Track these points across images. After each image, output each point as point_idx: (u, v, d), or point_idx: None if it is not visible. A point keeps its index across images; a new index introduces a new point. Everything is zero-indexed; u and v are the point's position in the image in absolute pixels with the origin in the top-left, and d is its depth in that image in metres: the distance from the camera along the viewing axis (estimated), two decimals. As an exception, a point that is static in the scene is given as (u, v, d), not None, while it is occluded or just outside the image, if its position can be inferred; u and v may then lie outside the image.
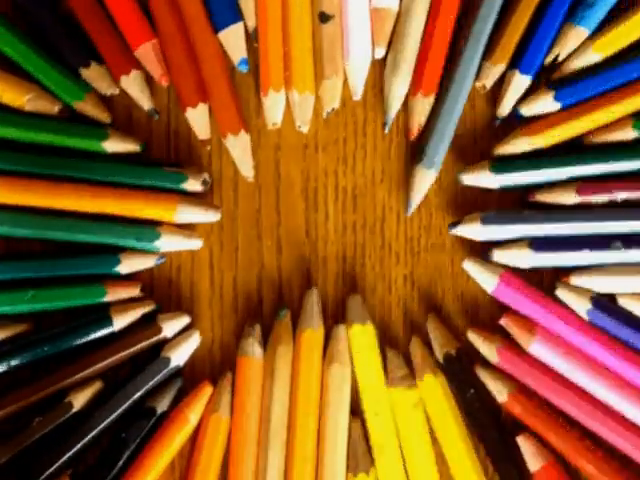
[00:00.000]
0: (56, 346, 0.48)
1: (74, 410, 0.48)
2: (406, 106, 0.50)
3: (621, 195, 0.48)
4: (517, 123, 0.50)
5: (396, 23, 0.50)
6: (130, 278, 0.50)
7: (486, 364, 0.50)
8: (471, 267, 0.49)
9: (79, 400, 0.48)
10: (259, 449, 0.50)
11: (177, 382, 0.50)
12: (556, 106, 0.49)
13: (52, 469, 0.48)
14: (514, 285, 0.49)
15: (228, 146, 0.50)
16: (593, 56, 0.49)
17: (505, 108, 0.50)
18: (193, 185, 0.49)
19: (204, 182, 0.49)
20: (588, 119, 0.49)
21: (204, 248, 0.50)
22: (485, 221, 0.49)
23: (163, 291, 0.50)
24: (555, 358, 0.48)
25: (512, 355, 0.49)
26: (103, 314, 0.49)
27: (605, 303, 0.49)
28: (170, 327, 0.49)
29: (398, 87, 0.49)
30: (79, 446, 0.48)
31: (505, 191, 0.50)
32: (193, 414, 0.49)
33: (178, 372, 0.50)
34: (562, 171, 0.49)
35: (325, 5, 0.49)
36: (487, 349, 0.49)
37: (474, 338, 0.49)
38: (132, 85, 0.49)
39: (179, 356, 0.49)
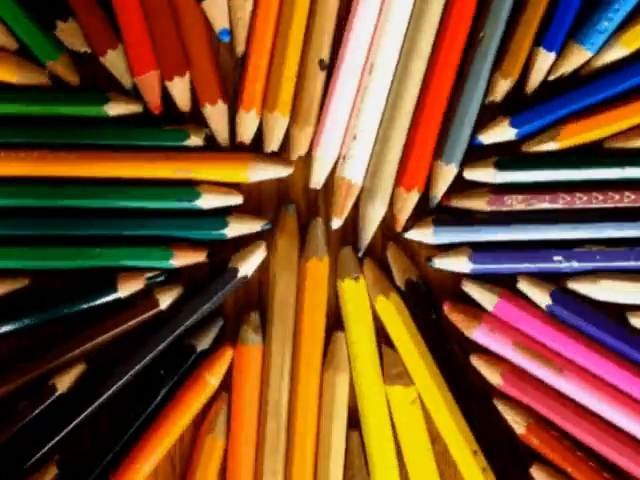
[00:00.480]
0: (55, 312, 0.48)
1: (58, 393, 0.48)
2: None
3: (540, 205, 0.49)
4: (476, 150, 0.50)
5: (375, 144, 0.50)
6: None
7: (504, 396, 0.50)
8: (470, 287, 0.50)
9: (63, 383, 0.48)
10: (258, 433, 0.50)
11: (219, 321, 0.50)
12: (512, 132, 0.49)
13: (40, 453, 0.47)
14: (514, 303, 0.50)
15: (206, 116, 0.50)
16: (621, 51, 0.49)
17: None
18: (195, 141, 0.49)
19: (206, 137, 0.50)
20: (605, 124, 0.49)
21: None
22: (436, 223, 0.50)
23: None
24: (500, 347, 0.49)
25: (517, 379, 0.50)
26: (108, 279, 0.49)
27: (564, 297, 0.50)
28: (166, 300, 0.49)
29: (374, 213, 0.50)
30: (70, 428, 0.48)
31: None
32: (213, 377, 0.49)
33: (220, 310, 0.50)
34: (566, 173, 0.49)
35: (325, 54, 0.50)
36: (491, 374, 0.50)
37: (478, 363, 0.50)
38: (115, 61, 0.49)
39: (247, 266, 0.49)
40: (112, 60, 0.49)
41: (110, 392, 0.48)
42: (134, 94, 0.49)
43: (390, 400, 0.50)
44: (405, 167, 0.50)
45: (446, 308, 0.50)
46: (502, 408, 0.50)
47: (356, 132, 0.49)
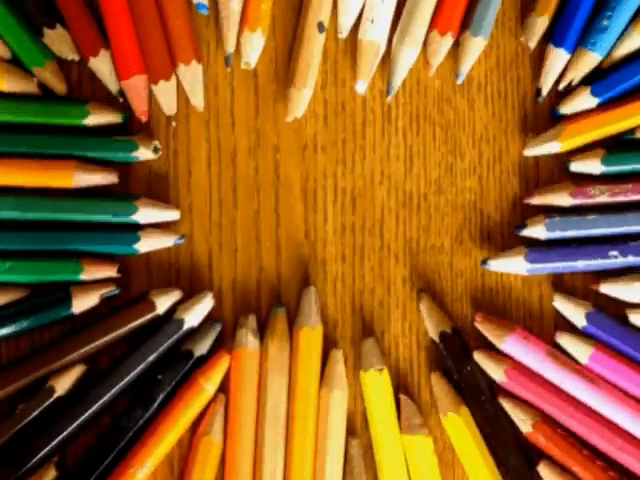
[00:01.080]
0: (15, 325, 0.48)
1: (56, 395, 0.48)
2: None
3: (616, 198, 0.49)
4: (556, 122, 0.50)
5: None
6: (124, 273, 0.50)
7: (508, 395, 0.50)
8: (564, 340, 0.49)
9: (62, 385, 0.48)
10: (257, 441, 0.50)
11: (216, 326, 0.50)
12: (594, 101, 0.49)
13: (38, 457, 0.48)
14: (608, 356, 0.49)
15: (179, 76, 0.49)
16: (638, 39, 0.49)
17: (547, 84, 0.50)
18: (144, 153, 0.49)
19: (155, 149, 0.49)
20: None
21: (203, 249, 0.50)
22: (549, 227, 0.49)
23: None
24: (529, 357, 0.49)
25: (520, 375, 0.49)
26: (63, 293, 0.48)
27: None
28: (163, 303, 0.49)
29: (405, 56, 0.49)
30: (67, 432, 0.48)
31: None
32: (209, 384, 0.49)
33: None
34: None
35: (324, 16, 0.49)
36: (495, 370, 0.49)
37: (481, 359, 0.49)
38: (101, 66, 0.49)
39: (194, 317, 0.49)
40: (99, 65, 0.49)
41: (108, 395, 0.48)
42: (121, 99, 0.49)
43: (409, 449, 0.50)
44: (440, 10, 0.49)
45: (478, 319, 0.49)
46: (508, 407, 0.49)
47: None
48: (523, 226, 0.49)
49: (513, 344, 0.49)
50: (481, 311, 0.50)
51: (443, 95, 0.51)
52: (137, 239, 0.48)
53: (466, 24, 0.49)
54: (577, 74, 0.50)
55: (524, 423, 0.49)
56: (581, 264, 0.49)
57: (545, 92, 0.50)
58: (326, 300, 0.51)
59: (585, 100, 0.49)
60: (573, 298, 0.50)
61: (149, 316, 0.49)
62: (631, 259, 0.49)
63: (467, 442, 0.49)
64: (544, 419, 0.49)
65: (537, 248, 0.49)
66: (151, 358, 0.48)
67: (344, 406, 0.50)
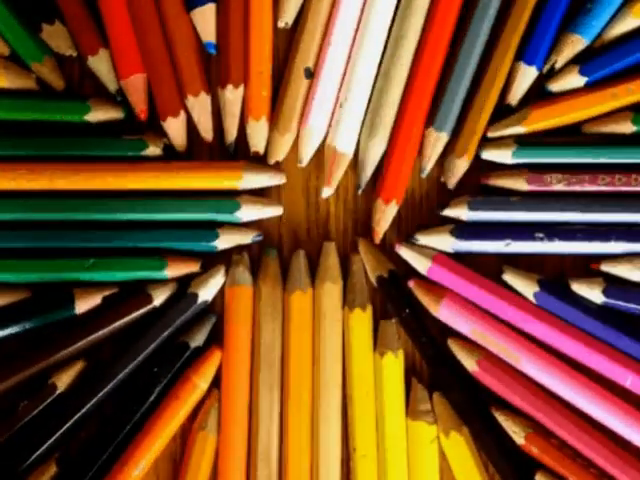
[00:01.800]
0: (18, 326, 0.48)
1: (58, 392, 0.48)
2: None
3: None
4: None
5: (375, 81, 0.49)
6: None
7: (501, 403, 0.50)
8: (404, 251, 0.49)
9: (63, 381, 0.48)
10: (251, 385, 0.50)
11: (211, 318, 0.50)
12: (582, 80, 0.49)
13: (40, 451, 0.48)
14: (447, 266, 0.49)
15: (188, 108, 0.49)
16: (632, 21, 0.49)
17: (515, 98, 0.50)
18: (154, 151, 0.49)
19: (165, 147, 0.49)
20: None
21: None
22: (472, 206, 0.49)
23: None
24: (465, 323, 0.49)
25: (492, 366, 0.49)
26: (66, 295, 0.48)
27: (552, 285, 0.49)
28: (160, 296, 0.49)
29: (374, 151, 0.49)
30: (69, 424, 0.48)
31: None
32: (202, 380, 0.49)
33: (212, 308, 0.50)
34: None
35: (311, 62, 0.49)
36: (466, 359, 0.49)
37: (455, 347, 0.50)
38: (100, 65, 0.49)
39: (207, 291, 0.49)
40: (98, 63, 0.49)
41: (106, 390, 0.48)
42: (119, 98, 0.49)
43: (410, 435, 0.50)
44: (384, 179, 0.49)
45: (411, 284, 0.49)
46: (500, 418, 0.49)
47: (342, 100, 0.49)
48: (445, 206, 0.49)
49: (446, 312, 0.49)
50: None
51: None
52: (216, 236, 0.49)
53: (430, 120, 0.49)
54: (560, 56, 0.49)
55: (517, 435, 0.49)
56: (504, 244, 0.49)
57: (514, 105, 0.50)
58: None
59: (573, 79, 0.49)
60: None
61: (146, 309, 0.49)
62: (557, 243, 0.49)
63: (467, 462, 0.49)
64: (537, 430, 0.49)
65: (465, 226, 0.49)
66: (169, 331, 0.49)
67: (340, 299, 0.50)
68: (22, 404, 0.48)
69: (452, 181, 0.50)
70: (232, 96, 0.49)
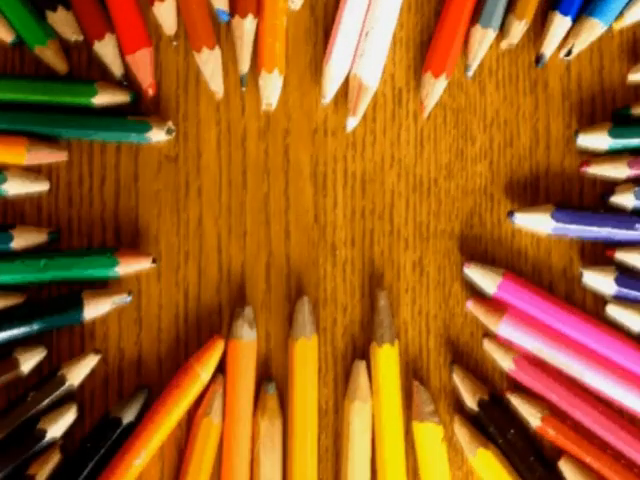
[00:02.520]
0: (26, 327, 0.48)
1: None
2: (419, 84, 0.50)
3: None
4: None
5: None
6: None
7: (518, 389, 0.49)
8: (472, 271, 0.49)
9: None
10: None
11: (143, 392, 0.49)
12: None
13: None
14: (517, 282, 0.49)
15: (199, 61, 0.49)
16: None
17: (548, 49, 0.50)
18: (157, 134, 0.49)
19: (168, 130, 0.49)
20: None
21: (212, 232, 0.50)
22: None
23: (171, 275, 0.50)
24: (526, 339, 0.48)
25: (530, 365, 0.49)
26: (75, 298, 0.48)
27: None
28: (27, 362, 0.47)
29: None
30: None
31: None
32: (204, 370, 0.48)
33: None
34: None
35: None
36: (502, 358, 0.49)
37: (490, 348, 0.49)
38: (106, 50, 0.49)
39: (56, 429, 0.47)
40: (104, 48, 0.49)
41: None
42: (125, 83, 0.49)
43: (418, 437, 0.49)
44: (433, 53, 0.49)
45: (470, 304, 0.49)
46: (515, 401, 0.49)
47: (368, 29, 0.49)
48: (611, 193, 0.49)
49: (506, 328, 0.49)
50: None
51: (454, 79, 0.51)
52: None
53: (475, 16, 0.49)
54: (578, 40, 0.49)
55: (533, 417, 0.48)
56: (605, 232, 0.48)
57: (547, 57, 0.49)
58: (335, 285, 0.50)
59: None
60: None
61: (12, 374, 0.47)
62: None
63: (500, 477, 0.49)
64: (553, 412, 0.48)
65: (565, 209, 0.49)
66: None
67: (368, 418, 0.49)
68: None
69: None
70: (251, 26, 0.49)
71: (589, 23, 0.49)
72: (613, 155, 0.49)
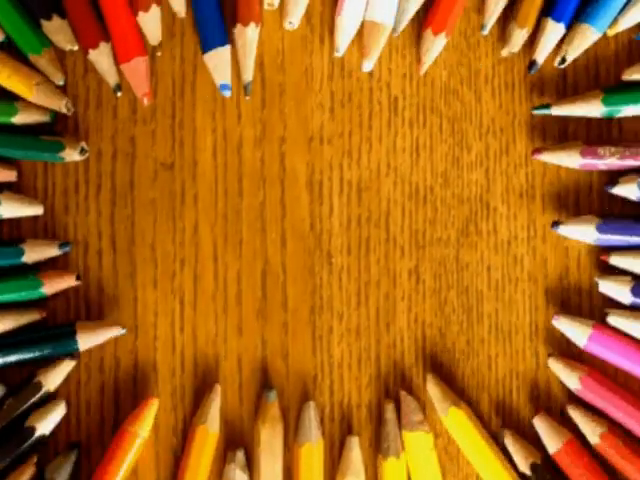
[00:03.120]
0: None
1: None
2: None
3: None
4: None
5: None
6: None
7: (578, 403, 0.49)
8: (562, 323, 0.49)
9: None
10: None
11: (74, 452, 0.49)
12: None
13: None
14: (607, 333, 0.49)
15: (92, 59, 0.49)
16: None
17: (541, 56, 0.50)
18: (70, 154, 0.48)
19: (82, 151, 0.49)
20: None
21: (208, 240, 0.50)
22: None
23: (167, 283, 0.50)
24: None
25: (595, 383, 0.48)
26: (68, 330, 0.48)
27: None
28: None
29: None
30: None
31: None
32: (141, 428, 0.48)
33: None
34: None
35: None
36: (569, 377, 0.49)
37: (556, 367, 0.49)
38: (100, 59, 0.49)
39: (45, 425, 0.48)
40: (98, 57, 0.48)
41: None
42: (119, 93, 0.49)
43: (409, 446, 0.49)
44: (435, 10, 0.49)
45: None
46: (575, 417, 0.49)
47: None
48: (614, 183, 0.49)
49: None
50: (487, 303, 0.50)
51: (450, 87, 0.51)
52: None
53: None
54: (571, 47, 0.49)
55: (592, 434, 0.48)
56: None
57: (540, 64, 0.49)
58: (331, 292, 0.50)
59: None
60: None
61: None
62: None
63: (472, 435, 0.49)
64: (612, 430, 0.48)
65: (608, 220, 0.48)
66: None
67: None
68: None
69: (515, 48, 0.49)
70: (254, 35, 0.49)
71: (582, 30, 0.49)
72: (565, 143, 0.49)
